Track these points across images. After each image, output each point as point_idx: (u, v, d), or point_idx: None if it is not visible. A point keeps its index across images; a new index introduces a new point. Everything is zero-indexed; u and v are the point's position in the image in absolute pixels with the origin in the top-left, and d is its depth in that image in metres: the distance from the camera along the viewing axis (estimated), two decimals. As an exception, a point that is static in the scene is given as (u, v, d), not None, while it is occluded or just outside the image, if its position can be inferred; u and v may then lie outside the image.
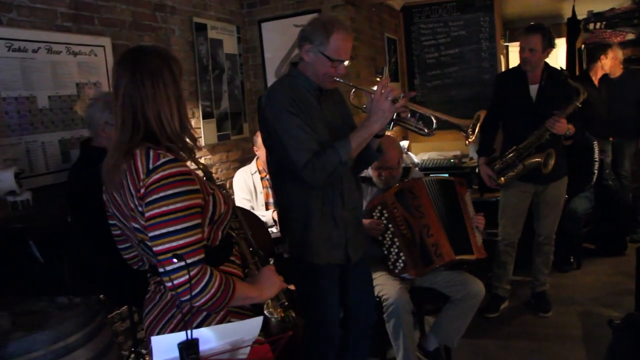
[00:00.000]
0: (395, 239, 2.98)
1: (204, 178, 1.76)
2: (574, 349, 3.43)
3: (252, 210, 3.89)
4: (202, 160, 4.21)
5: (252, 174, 3.99)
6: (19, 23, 2.78)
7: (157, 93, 1.56)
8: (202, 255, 1.51)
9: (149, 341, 1.42)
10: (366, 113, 2.30)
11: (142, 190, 1.49)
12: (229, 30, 4.58)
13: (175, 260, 1.43)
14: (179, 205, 1.47)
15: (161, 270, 1.49)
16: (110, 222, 1.76)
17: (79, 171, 2.65)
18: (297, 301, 2.33)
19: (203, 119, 4.18)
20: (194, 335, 1.20)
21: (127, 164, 1.54)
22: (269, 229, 3.72)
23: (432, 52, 6.54)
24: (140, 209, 1.51)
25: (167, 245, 1.46)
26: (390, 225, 2.99)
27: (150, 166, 1.50)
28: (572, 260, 4.79)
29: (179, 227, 1.47)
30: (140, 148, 1.54)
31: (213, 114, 4.33)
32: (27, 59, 2.79)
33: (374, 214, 3.02)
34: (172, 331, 1.60)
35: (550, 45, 3.61)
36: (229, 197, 1.74)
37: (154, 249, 1.48)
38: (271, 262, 2.65)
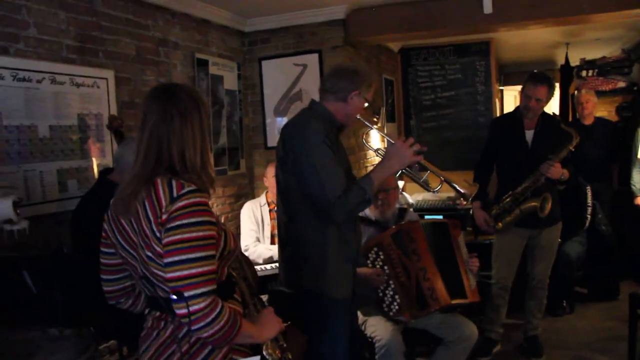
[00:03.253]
0: (391, 281, 2.97)
1: None
2: (566, 395, 3.40)
3: (257, 242, 3.92)
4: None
5: (262, 206, 4.02)
6: (25, 53, 2.82)
7: (184, 132, 1.61)
8: (215, 287, 1.52)
9: None
10: (383, 155, 2.46)
11: (165, 217, 1.51)
12: (229, 67, 4.66)
13: (174, 297, 1.43)
14: (200, 234, 1.50)
15: (174, 297, 1.48)
16: (106, 250, 1.75)
17: (92, 200, 2.64)
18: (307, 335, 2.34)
19: (201, 153, 4.20)
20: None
21: (147, 192, 1.57)
22: (264, 265, 3.72)
23: (428, 94, 6.65)
24: (158, 234, 1.53)
25: (185, 272, 1.47)
26: (385, 267, 2.98)
27: (175, 194, 1.53)
28: (564, 304, 4.77)
29: (198, 255, 1.49)
30: (162, 177, 1.58)
31: (211, 149, 4.35)
32: (31, 88, 2.83)
33: (370, 254, 3.02)
34: None
35: (552, 95, 3.68)
36: (236, 235, 1.76)
37: (169, 275, 1.49)
38: (265, 300, 2.61)
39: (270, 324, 1.74)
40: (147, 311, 1.74)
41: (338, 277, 2.44)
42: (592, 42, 6.94)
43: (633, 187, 5.29)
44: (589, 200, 4.84)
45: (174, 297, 1.48)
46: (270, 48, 4.92)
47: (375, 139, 5.27)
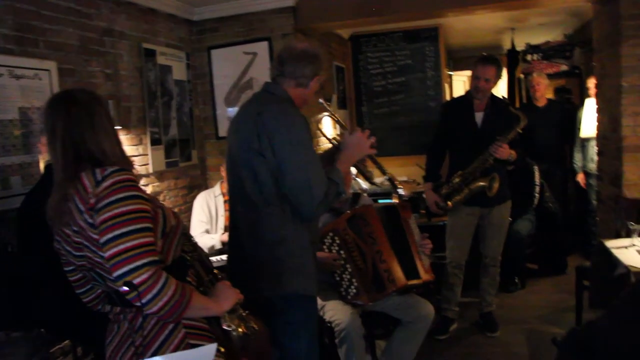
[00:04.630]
0: (347, 266, 2.99)
1: None
2: (521, 367, 3.52)
3: (207, 233, 3.85)
4: (149, 187, 4.13)
5: (216, 197, 3.95)
6: (-42, 45, 2.69)
7: (96, 128, 1.63)
8: (157, 258, 1.51)
9: None
10: (342, 145, 2.42)
11: (93, 200, 1.52)
12: (178, 57, 4.57)
13: (125, 288, 1.41)
14: (130, 207, 1.50)
15: (115, 274, 1.47)
16: (67, 269, 1.74)
17: (41, 194, 2.53)
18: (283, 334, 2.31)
19: (151, 145, 4.12)
20: (147, 365, 1.17)
21: (74, 188, 1.57)
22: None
23: (379, 80, 6.69)
24: (91, 220, 1.52)
25: (120, 247, 1.46)
26: (342, 252, 3.00)
27: (99, 177, 1.54)
28: (516, 280, 4.93)
29: (131, 228, 1.49)
30: (86, 171, 1.58)
31: (161, 141, 4.27)
32: (-33, 82, 2.70)
33: (325, 240, 3.03)
34: (134, 353, 1.57)
35: (500, 76, 3.81)
36: (178, 214, 1.77)
37: (107, 253, 1.47)
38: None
39: (225, 295, 1.75)
40: (109, 308, 1.72)
41: (314, 274, 2.36)
42: (536, 27, 7.12)
43: (575, 165, 5.51)
44: (537, 180, 5.00)
45: (125, 288, 1.46)
46: (219, 37, 4.85)
47: (327, 126, 5.29)
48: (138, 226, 1.49)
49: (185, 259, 1.75)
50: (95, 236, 1.52)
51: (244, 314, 1.84)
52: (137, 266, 1.45)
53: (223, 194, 3.94)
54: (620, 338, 1.39)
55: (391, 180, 2.62)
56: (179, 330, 1.60)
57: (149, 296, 1.45)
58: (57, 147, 1.62)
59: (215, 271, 1.96)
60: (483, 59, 3.77)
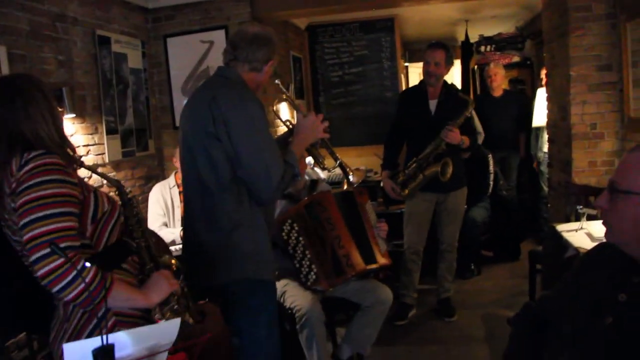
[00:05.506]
0: (307, 252, 3.00)
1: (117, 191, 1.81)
2: (478, 348, 3.62)
3: (165, 227, 3.79)
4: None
5: (171, 188, 3.90)
6: None
7: (30, 112, 1.61)
8: (76, 243, 1.49)
9: (60, 352, 1.36)
10: (295, 127, 2.45)
11: (14, 184, 1.50)
12: (133, 45, 4.48)
13: (49, 249, 1.40)
14: (49, 191, 1.49)
15: (32, 259, 1.44)
16: (21, 254, 1.68)
17: None
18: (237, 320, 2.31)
19: (107, 134, 4.04)
20: (110, 341, 1.16)
21: (4, 173, 1.56)
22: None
23: (336, 71, 6.73)
24: (12, 204, 1.51)
25: (36, 231, 1.44)
26: (301, 238, 3.01)
27: (22, 162, 1.53)
28: (472, 267, 5.05)
29: (48, 212, 1.47)
30: (16, 156, 1.56)
31: (117, 130, 4.19)
32: None
33: (284, 227, 3.04)
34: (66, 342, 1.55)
35: (451, 62, 3.90)
36: (114, 199, 1.75)
37: (25, 237, 1.45)
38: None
39: (157, 287, 1.70)
40: None
41: (270, 259, 2.36)
42: (489, 19, 7.29)
43: (532, 153, 5.69)
44: (491, 168, 5.12)
45: (31, 259, 1.45)
46: (175, 25, 4.77)
47: (284, 112, 5.29)
48: (56, 210, 1.48)
49: (128, 245, 1.73)
50: (17, 220, 1.51)
51: (176, 307, 1.80)
52: (48, 253, 1.42)
53: (178, 185, 3.88)
54: (559, 300, 1.47)
55: (342, 165, 2.63)
56: (108, 319, 1.57)
57: (62, 283, 1.42)
58: None
59: (173, 261, 1.93)
60: (432, 44, 3.89)
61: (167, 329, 1.29)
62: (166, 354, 1.28)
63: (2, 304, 2.39)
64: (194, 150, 2.26)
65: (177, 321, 1.32)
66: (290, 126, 2.55)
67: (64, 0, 3.65)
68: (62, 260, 1.41)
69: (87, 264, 1.47)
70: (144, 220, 1.92)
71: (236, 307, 2.31)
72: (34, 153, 1.54)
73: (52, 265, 1.41)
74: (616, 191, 1.29)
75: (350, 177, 2.68)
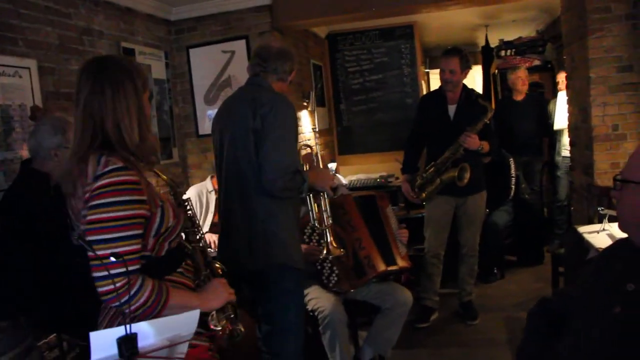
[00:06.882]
0: (328, 254, 3.05)
1: (172, 192, 1.84)
2: (500, 351, 3.61)
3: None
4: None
5: (209, 192, 3.98)
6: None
7: (116, 103, 1.57)
8: (137, 266, 1.52)
9: None
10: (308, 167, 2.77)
11: (88, 194, 1.52)
12: (157, 56, 4.60)
13: (113, 259, 1.43)
14: (120, 213, 1.49)
15: (94, 275, 1.48)
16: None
17: (20, 191, 2.54)
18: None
19: (132, 143, 4.13)
20: (133, 330, 1.21)
21: (79, 169, 1.55)
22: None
23: (356, 78, 6.78)
24: (84, 212, 1.52)
25: (100, 252, 1.46)
26: (322, 241, 3.05)
27: (99, 172, 1.52)
28: (495, 271, 5.02)
29: (116, 235, 1.48)
30: (94, 154, 1.55)
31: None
32: (-53, 80, 2.71)
33: (305, 230, 3.09)
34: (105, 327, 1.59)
35: (467, 67, 3.90)
36: (181, 211, 1.76)
37: (89, 254, 1.48)
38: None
39: (215, 294, 1.74)
40: None
41: (301, 249, 2.64)
42: (509, 24, 7.28)
43: (557, 156, 5.66)
44: (513, 172, 5.11)
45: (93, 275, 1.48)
46: (197, 36, 4.89)
47: (306, 122, 5.35)
48: (124, 234, 1.49)
49: (183, 248, 1.76)
50: (82, 227, 1.53)
51: (232, 315, 1.84)
52: (114, 274, 1.45)
53: (215, 191, 3.93)
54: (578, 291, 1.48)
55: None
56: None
57: (119, 302, 1.46)
58: (77, 116, 1.60)
59: (217, 265, 1.96)
60: (446, 51, 3.91)
61: (188, 319, 1.33)
62: (187, 344, 1.32)
63: (33, 303, 2.50)
64: (236, 144, 2.49)
65: (196, 312, 1.36)
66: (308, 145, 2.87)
67: (90, 14, 3.79)
68: (120, 284, 1.45)
69: (143, 284, 1.50)
70: (199, 224, 1.93)
71: (270, 291, 2.50)
72: (112, 166, 1.51)
73: (106, 288, 1.46)
74: (619, 181, 1.35)
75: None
